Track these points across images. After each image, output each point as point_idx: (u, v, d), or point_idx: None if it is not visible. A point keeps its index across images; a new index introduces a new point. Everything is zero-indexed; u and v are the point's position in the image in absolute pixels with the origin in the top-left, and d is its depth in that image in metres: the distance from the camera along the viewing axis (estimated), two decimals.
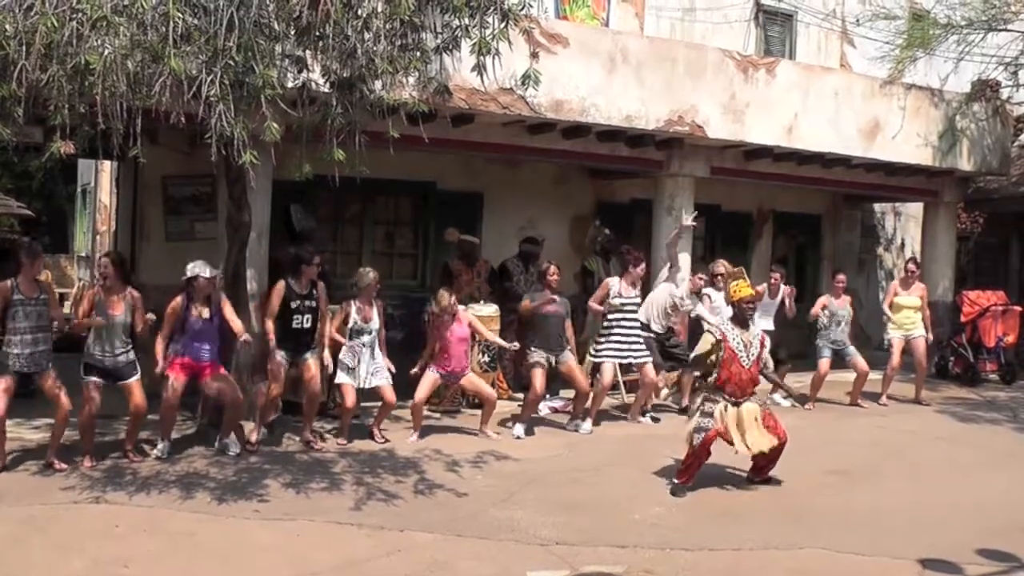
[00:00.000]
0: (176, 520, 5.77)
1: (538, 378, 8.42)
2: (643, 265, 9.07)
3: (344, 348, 7.95)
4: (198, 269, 7.21)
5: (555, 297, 8.59)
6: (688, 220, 9.74)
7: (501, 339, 8.81)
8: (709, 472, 7.15)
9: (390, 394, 7.98)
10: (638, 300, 9.04)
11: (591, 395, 8.77)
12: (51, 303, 6.83)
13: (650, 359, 9.02)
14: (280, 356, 7.60)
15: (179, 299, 7.24)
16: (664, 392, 10.15)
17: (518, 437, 8.38)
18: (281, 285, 7.69)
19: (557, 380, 9.21)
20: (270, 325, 7.60)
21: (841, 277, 10.80)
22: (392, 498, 6.37)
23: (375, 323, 8.00)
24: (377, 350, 8.04)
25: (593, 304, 8.94)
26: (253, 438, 7.57)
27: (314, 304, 7.76)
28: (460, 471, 7.16)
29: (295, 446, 7.74)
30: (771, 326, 10.29)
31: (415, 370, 8.18)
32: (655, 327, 9.45)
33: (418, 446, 7.90)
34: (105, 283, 7.10)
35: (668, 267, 9.48)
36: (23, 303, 6.56)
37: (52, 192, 22.96)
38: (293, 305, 7.64)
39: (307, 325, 7.72)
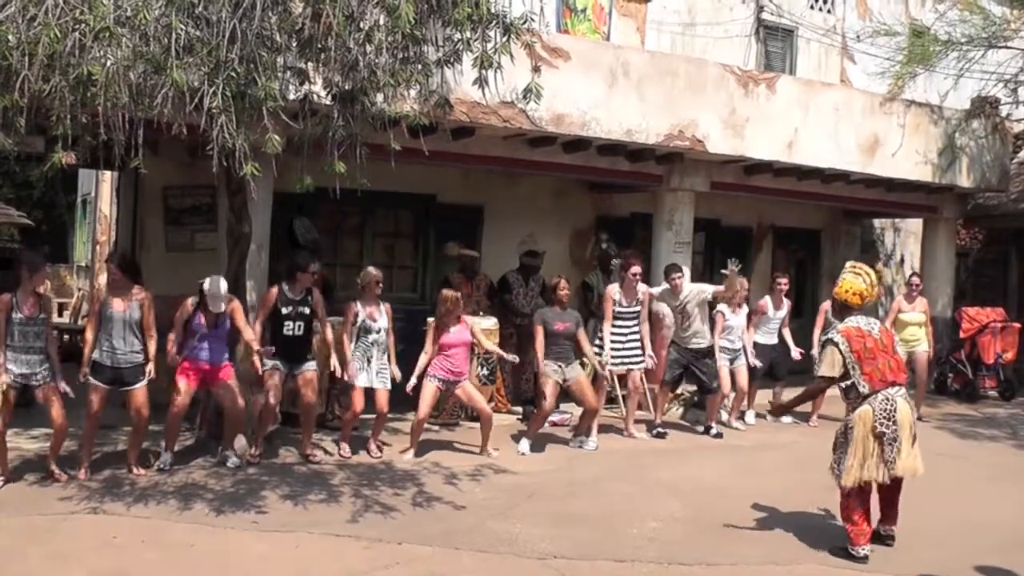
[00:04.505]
0: (174, 531, 5.76)
1: (549, 391, 8.27)
2: (635, 268, 8.94)
3: (352, 348, 7.84)
4: (215, 288, 7.11)
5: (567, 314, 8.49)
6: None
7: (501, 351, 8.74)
8: (706, 484, 7.14)
9: (384, 402, 7.88)
10: (637, 310, 9.03)
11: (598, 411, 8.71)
12: (47, 323, 6.73)
13: (640, 366, 9.01)
14: (270, 364, 7.51)
15: (188, 304, 7.18)
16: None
17: (523, 453, 8.27)
18: (274, 290, 7.69)
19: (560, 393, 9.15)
20: (258, 328, 7.54)
21: None
22: (390, 511, 6.36)
23: (382, 322, 7.90)
24: (385, 351, 7.94)
25: (607, 325, 8.82)
26: (253, 451, 7.50)
27: (308, 311, 7.68)
28: (458, 484, 7.15)
29: (293, 458, 7.73)
30: (775, 341, 10.23)
31: (412, 383, 7.97)
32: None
33: (417, 459, 7.88)
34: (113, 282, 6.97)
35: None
36: (21, 323, 6.49)
37: (52, 202, 22.93)
38: (285, 311, 7.59)
39: (300, 333, 7.65)
